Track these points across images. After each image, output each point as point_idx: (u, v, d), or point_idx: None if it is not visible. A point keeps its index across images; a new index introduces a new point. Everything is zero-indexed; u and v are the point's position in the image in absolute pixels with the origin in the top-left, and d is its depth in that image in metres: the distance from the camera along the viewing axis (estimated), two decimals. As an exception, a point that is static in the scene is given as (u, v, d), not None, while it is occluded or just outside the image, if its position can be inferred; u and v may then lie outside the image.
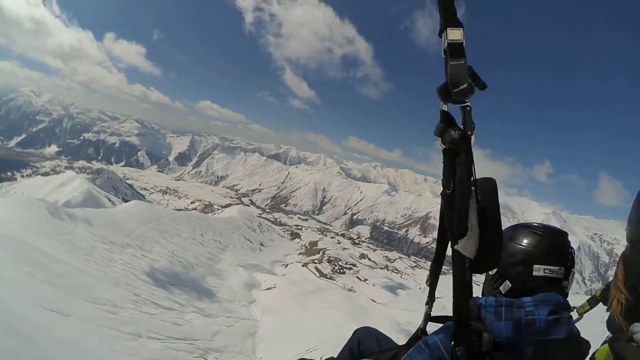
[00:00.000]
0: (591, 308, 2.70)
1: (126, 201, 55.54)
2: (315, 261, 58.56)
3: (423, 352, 1.67)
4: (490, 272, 1.99)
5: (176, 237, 33.17)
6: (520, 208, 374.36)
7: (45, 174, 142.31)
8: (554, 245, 1.91)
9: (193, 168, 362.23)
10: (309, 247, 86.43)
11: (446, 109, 1.19)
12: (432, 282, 1.77)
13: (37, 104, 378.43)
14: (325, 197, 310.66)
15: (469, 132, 1.19)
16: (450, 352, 1.40)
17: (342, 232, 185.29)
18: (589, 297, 2.89)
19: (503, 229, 1.74)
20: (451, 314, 1.41)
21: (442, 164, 1.25)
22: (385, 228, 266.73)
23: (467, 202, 1.22)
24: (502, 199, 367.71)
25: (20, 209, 18.34)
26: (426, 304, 1.97)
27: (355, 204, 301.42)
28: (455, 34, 1.09)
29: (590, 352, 1.72)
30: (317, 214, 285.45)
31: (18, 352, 6.33)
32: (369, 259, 79.71)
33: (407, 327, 23.48)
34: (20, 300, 10.87)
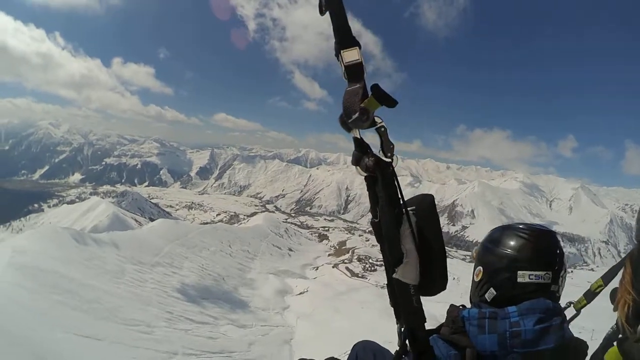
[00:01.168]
0: (588, 303, 2.48)
1: (153, 220, 56.35)
2: (346, 261, 58.37)
3: None
4: (476, 279, 1.84)
5: (204, 251, 33.38)
6: (547, 186, 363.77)
7: (71, 202, 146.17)
8: (540, 248, 1.71)
9: (215, 181, 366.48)
10: (337, 247, 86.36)
11: (358, 136, 1.14)
12: (394, 302, 1.52)
13: (57, 135, 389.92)
14: (349, 196, 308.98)
15: (388, 154, 1.13)
16: None
17: (370, 229, 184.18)
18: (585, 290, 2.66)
19: (504, 224, 1.84)
20: (434, 327, 1.40)
21: (367, 193, 1.22)
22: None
23: (394, 229, 1.20)
24: (527, 179, 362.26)
25: (46, 240, 18.58)
26: (396, 323, 1.64)
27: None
28: (350, 55, 1.03)
29: (590, 352, 1.63)
30: (343, 214, 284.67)
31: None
32: (400, 254, 78.74)
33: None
34: (52, 329, 10.87)
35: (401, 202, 1.20)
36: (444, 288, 1.33)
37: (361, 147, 1.15)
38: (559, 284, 1.71)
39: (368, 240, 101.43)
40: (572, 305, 2.47)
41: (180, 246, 30.54)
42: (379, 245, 1.33)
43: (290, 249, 57.39)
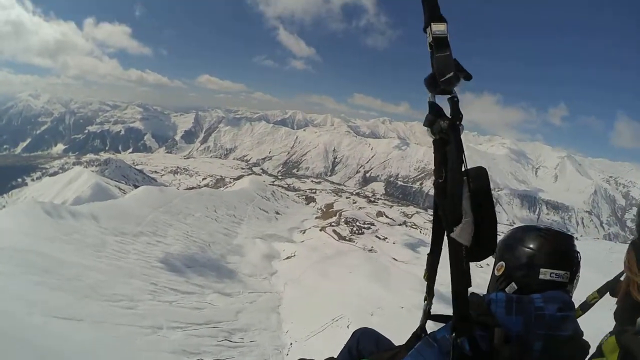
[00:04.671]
0: (583, 313, 2.61)
1: (137, 187, 55.50)
2: (333, 224, 58.66)
3: (431, 346, 1.60)
4: (497, 273, 1.98)
5: (189, 218, 32.96)
6: (534, 154, 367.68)
7: (54, 174, 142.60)
8: (561, 249, 1.90)
9: (201, 144, 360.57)
10: (325, 210, 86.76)
11: (434, 100, 1.27)
12: (430, 275, 1.75)
13: (37, 106, 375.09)
14: (336, 158, 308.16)
15: (458, 122, 1.25)
16: (452, 343, 1.41)
17: (357, 191, 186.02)
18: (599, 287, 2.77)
19: (525, 225, 2.07)
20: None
21: (433, 155, 1.34)
22: (400, 183, 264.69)
23: (461, 189, 1.28)
24: (515, 145, 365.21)
25: (20, 216, 17.89)
26: (424, 300, 1.91)
27: (367, 161, 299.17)
28: (439, 28, 1.17)
29: (591, 351, 1.73)
30: (330, 175, 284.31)
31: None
32: (387, 216, 79.86)
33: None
34: (30, 312, 10.45)
35: (464, 167, 1.30)
36: (492, 253, 1.42)
37: (436, 111, 1.27)
38: (573, 284, 1.86)
39: (355, 203, 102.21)
40: (585, 300, 2.62)
41: (164, 213, 30.05)
42: (434, 207, 1.51)
43: (277, 212, 57.33)
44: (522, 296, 1.68)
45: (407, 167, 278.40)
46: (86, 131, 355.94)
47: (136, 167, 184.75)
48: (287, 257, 32.84)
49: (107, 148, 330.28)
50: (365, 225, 57.59)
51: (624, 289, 1.82)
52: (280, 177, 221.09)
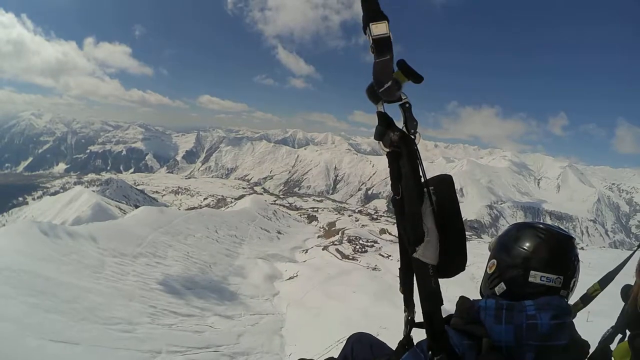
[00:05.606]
0: (584, 306, 2.46)
1: (138, 208, 55.29)
2: (336, 242, 58.07)
3: (418, 356, 1.51)
4: (489, 271, 1.83)
5: (190, 238, 32.57)
6: (535, 165, 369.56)
7: (55, 193, 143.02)
8: (556, 252, 1.70)
9: (202, 164, 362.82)
10: (327, 228, 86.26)
11: (382, 110, 1.19)
12: (406, 288, 1.65)
13: (39, 125, 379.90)
14: (337, 176, 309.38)
15: (412, 131, 1.19)
16: None
17: (359, 209, 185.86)
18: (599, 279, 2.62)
19: (525, 222, 1.89)
20: (445, 316, 1.42)
21: (388, 168, 1.27)
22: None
23: (418, 205, 1.22)
24: (516, 157, 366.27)
25: (17, 236, 17.58)
26: (404, 311, 1.83)
27: (369, 179, 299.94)
28: (379, 28, 1.06)
29: (591, 350, 1.66)
30: (332, 194, 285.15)
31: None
32: (390, 234, 79.24)
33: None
34: (25, 334, 10.13)
35: (423, 180, 1.23)
36: (462, 269, 1.37)
37: (385, 122, 1.19)
38: (569, 289, 1.69)
39: (357, 221, 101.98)
40: (585, 293, 2.47)
41: (164, 234, 29.71)
42: (397, 224, 1.41)
43: (279, 232, 56.92)
44: (514, 303, 1.53)
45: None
46: (88, 151, 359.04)
47: (137, 187, 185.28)
48: (290, 278, 32.31)
49: (108, 168, 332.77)
50: (369, 243, 56.97)
51: (635, 294, 1.79)
52: (281, 196, 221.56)
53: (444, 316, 1.57)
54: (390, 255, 48.49)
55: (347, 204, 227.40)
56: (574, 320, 2.10)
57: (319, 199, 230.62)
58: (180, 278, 22.87)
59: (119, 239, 23.60)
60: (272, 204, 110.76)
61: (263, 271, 31.63)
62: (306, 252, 49.17)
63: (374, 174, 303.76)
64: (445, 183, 1.36)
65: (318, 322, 22.08)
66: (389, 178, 1.26)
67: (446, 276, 1.32)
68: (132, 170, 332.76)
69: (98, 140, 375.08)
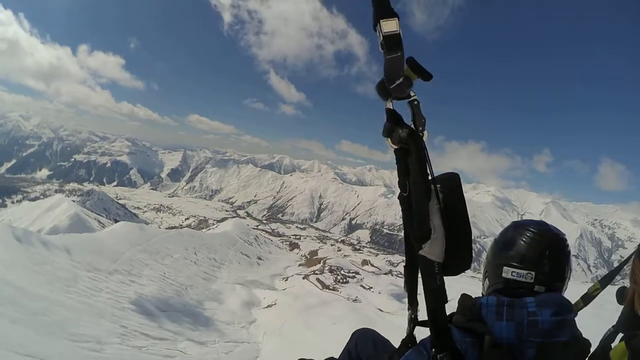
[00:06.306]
0: (585, 305, 2.51)
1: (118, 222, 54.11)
2: (317, 272, 57.16)
3: (421, 354, 1.51)
4: (483, 269, 1.91)
5: (167, 258, 31.69)
6: (518, 200, 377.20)
7: (35, 199, 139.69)
8: (530, 248, 1.71)
9: (186, 183, 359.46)
10: (309, 257, 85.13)
11: (391, 107, 1.19)
12: (410, 286, 1.68)
13: (27, 128, 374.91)
14: (322, 204, 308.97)
15: (420, 128, 1.19)
16: (433, 358, 1.37)
17: (342, 239, 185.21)
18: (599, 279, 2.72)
19: (521, 219, 1.91)
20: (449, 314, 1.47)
21: (396, 165, 1.27)
22: (385, 231, 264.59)
23: (426, 203, 1.23)
24: (500, 192, 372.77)
25: (-11, 241, 16.89)
26: (408, 309, 1.86)
27: (353, 209, 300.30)
28: (389, 25, 1.05)
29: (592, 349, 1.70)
30: (315, 222, 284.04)
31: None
32: (372, 265, 78.51)
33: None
34: (-15, 347, 9.55)
35: (430, 177, 1.24)
36: (468, 267, 1.37)
37: (394, 119, 1.20)
38: (548, 285, 1.68)
39: (340, 250, 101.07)
40: (587, 292, 2.52)
41: (142, 252, 28.87)
42: (403, 221, 1.40)
43: (259, 258, 55.96)
44: (515, 300, 1.54)
45: (393, 214, 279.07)
46: (72, 159, 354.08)
47: (119, 201, 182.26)
48: (268, 306, 31.52)
49: (91, 179, 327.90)
50: (350, 274, 56.20)
51: (630, 297, 1.80)
52: (264, 222, 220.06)
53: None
54: (371, 287, 47.90)
55: (330, 233, 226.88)
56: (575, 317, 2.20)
57: (302, 226, 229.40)
58: (155, 299, 22.07)
59: (94, 253, 22.81)
60: (254, 228, 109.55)
61: (241, 297, 30.82)
62: (286, 280, 48.30)
63: (358, 204, 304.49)
64: (452, 181, 1.39)
65: (295, 353, 21.37)
66: (397, 174, 1.26)
67: (451, 274, 1.32)
68: (115, 183, 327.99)
69: (84, 150, 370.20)
